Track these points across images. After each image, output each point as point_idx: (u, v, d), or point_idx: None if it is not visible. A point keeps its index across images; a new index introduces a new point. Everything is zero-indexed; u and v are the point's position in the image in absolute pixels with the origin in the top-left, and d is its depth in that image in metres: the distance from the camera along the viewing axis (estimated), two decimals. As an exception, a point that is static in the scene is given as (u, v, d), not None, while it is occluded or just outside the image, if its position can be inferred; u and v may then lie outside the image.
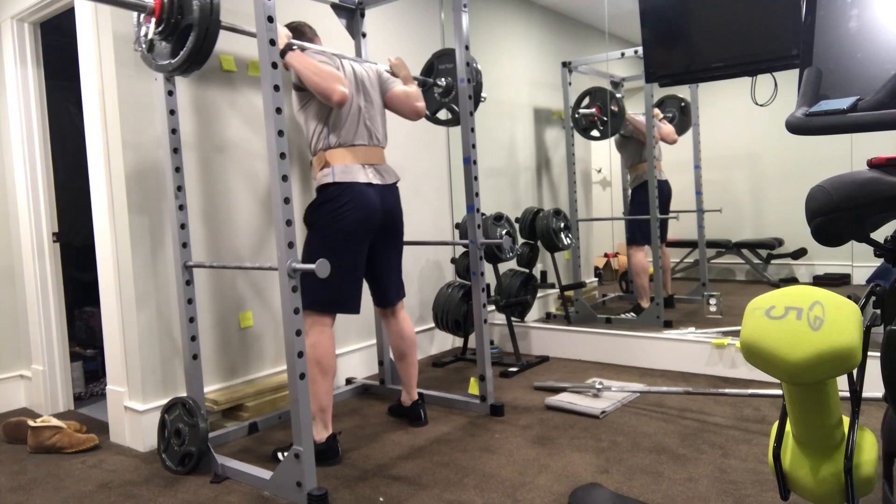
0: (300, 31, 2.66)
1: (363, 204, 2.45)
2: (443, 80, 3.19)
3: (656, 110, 4.18)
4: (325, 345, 2.41)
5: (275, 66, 2.02)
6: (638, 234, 4.19)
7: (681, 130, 4.23)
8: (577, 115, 4.36)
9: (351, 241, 2.45)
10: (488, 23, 4.35)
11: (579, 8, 4.64)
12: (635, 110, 4.20)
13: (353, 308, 2.53)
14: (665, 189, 4.18)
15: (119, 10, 2.55)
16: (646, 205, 4.05)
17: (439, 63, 3.23)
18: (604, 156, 4.77)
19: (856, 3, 1.31)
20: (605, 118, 4.23)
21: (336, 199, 2.43)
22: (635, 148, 4.22)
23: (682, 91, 4.19)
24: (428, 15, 4.09)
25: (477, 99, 3.21)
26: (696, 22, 2.31)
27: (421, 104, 2.67)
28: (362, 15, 3.18)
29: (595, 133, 4.36)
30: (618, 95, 4.27)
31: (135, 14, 2.24)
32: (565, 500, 2.02)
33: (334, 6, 3.13)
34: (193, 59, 1.98)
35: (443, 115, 3.34)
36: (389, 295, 2.72)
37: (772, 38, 2.17)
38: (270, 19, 2.01)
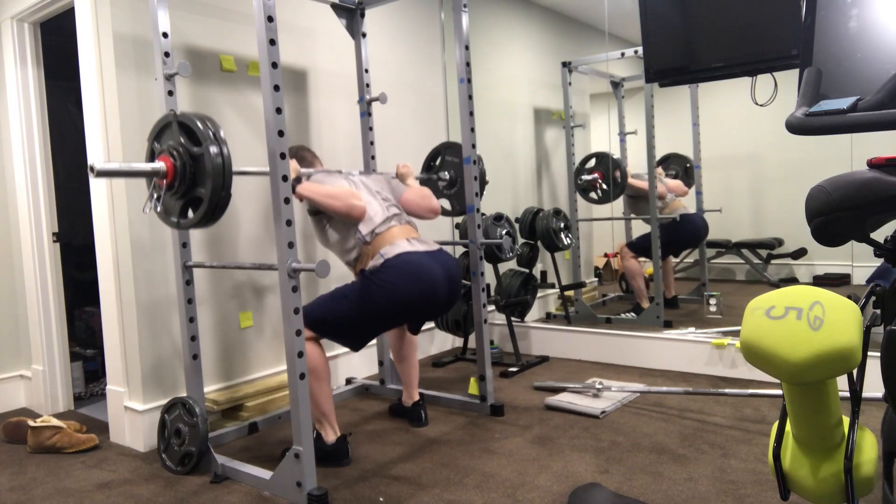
0: (301, 157, 2.75)
1: (424, 271, 2.39)
2: (446, 173, 3.23)
3: (659, 168, 4.20)
4: (313, 354, 2.37)
5: (275, 65, 2.02)
6: (636, 242, 4.26)
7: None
8: (579, 181, 4.43)
9: (398, 315, 2.42)
10: (488, 23, 4.35)
11: (579, 8, 4.64)
12: (637, 172, 4.28)
13: (356, 348, 2.51)
14: (698, 222, 4.18)
15: (119, 9, 2.56)
16: (678, 240, 4.15)
17: (446, 154, 3.26)
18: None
19: (856, 3, 1.31)
20: (607, 187, 4.32)
21: (390, 271, 2.38)
22: (646, 203, 4.23)
23: (686, 147, 4.22)
24: (428, 15, 4.09)
25: (482, 184, 3.37)
26: (696, 22, 2.30)
27: (436, 203, 2.71)
28: (362, 15, 3.18)
29: (593, 195, 4.43)
30: (619, 161, 4.34)
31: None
32: (565, 500, 2.02)
33: (334, 6, 3.13)
34: (204, 223, 2.02)
35: (446, 204, 3.34)
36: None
37: (772, 38, 2.16)
38: (270, 19, 2.01)
